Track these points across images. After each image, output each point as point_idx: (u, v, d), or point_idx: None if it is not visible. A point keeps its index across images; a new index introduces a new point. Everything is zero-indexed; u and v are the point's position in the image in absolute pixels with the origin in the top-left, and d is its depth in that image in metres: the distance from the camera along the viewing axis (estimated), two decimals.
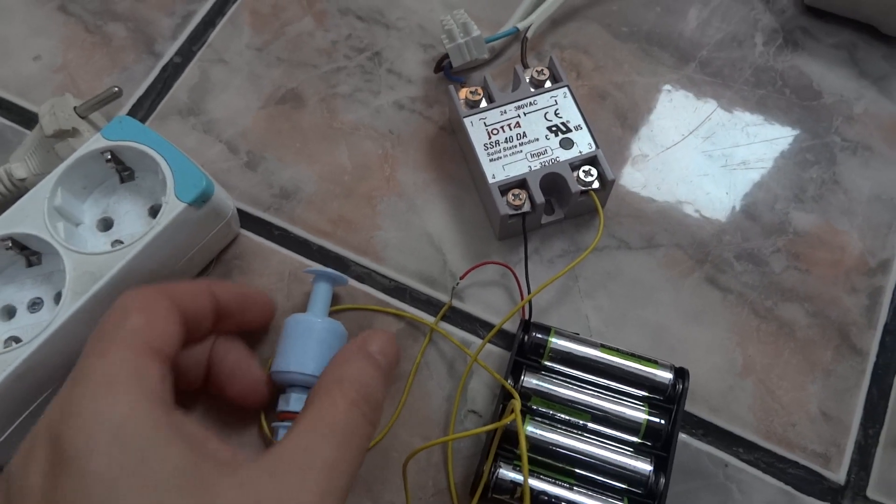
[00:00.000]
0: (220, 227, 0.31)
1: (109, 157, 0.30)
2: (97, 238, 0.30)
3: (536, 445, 0.28)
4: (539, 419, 0.28)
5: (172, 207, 0.29)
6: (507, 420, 0.26)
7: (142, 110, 0.36)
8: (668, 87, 0.36)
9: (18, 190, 0.33)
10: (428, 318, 0.32)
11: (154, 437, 0.19)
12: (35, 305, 0.29)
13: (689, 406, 0.30)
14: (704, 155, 0.35)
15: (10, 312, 0.29)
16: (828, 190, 0.34)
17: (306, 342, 0.28)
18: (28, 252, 0.30)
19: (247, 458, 0.21)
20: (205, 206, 0.30)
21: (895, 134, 0.35)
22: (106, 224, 0.31)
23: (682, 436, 0.30)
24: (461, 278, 0.32)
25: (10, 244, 0.29)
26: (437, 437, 0.30)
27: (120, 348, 0.21)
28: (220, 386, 0.28)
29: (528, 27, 0.35)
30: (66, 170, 0.29)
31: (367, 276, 0.33)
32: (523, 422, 0.28)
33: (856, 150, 0.35)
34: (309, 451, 0.21)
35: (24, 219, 0.29)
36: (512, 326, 0.32)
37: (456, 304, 0.32)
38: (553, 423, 0.28)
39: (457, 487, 0.29)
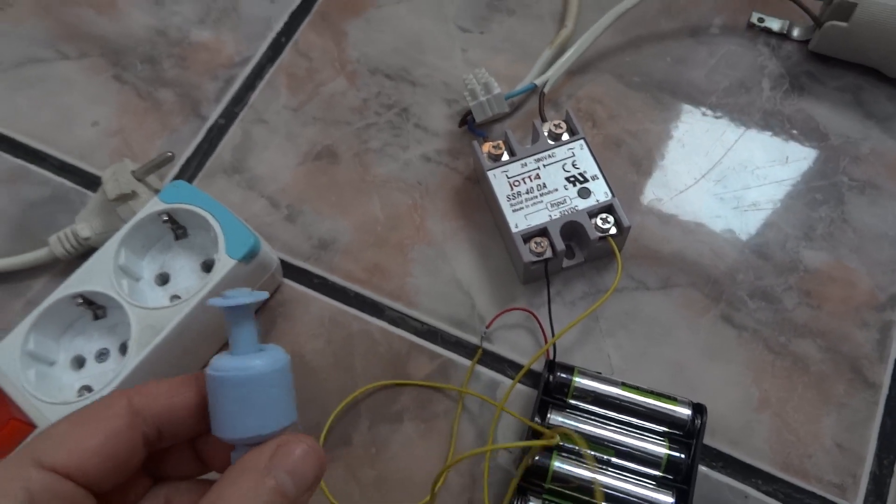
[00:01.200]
0: (265, 278, 0.34)
1: (166, 218, 0.33)
2: (156, 292, 0.33)
3: (564, 480, 0.30)
4: (566, 455, 0.30)
5: (224, 264, 0.31)
6: (545, 442, 0.28)
7: (190, 169, 0.40)
8: (679, 133, 0.39)
9: (83, 248, 0.36)
10: (460, 360, 0.34)
11: None
12: (102, 356, 0.32)
13: (709, 440, 0.32)
14: (716, 198, 0.37)
15: (81, 363, 0.32)
16: (837, 228, 0.36)
17: (235, 400, 0.22)
18: (95, 307, 0.33)
19: None
20: (252, 261, 0.32)
21: None
22: (163, 279, 0.34)
23: (703, 468, 0.31)
24: (488, 326, 0.34)
25: (81, 300, 0.32)
26: (468, 473, 0.32)
27: (8, 459, 0.20)
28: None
29: (545, 83, 0.38)
30: (129, 231, 0.32)
31: (400, 320, 0.35)
32: (550, 458, 0.30)
33: (863, 189, 0.36)
34: None
35: (93, 277, 0.32)
36: (538, 366, 0.34)
37: (485, 345, 0.34)
38: (579, 459, 0.30)
39: None
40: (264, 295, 0.22)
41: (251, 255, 0.32)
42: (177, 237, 0.34)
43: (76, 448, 0.20)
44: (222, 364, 0.21)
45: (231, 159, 0.40)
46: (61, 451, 0.20)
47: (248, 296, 0.21)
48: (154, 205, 0.33)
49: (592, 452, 0.30)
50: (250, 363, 0.21)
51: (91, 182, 0.40)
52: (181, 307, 0.31)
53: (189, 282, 0.33)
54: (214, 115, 0.41)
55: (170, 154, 0.36)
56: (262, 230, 0.37)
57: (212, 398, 0.22)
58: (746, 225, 0.36)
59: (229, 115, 0.41)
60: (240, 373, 0.21)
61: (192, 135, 0.41)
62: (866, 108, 0.38)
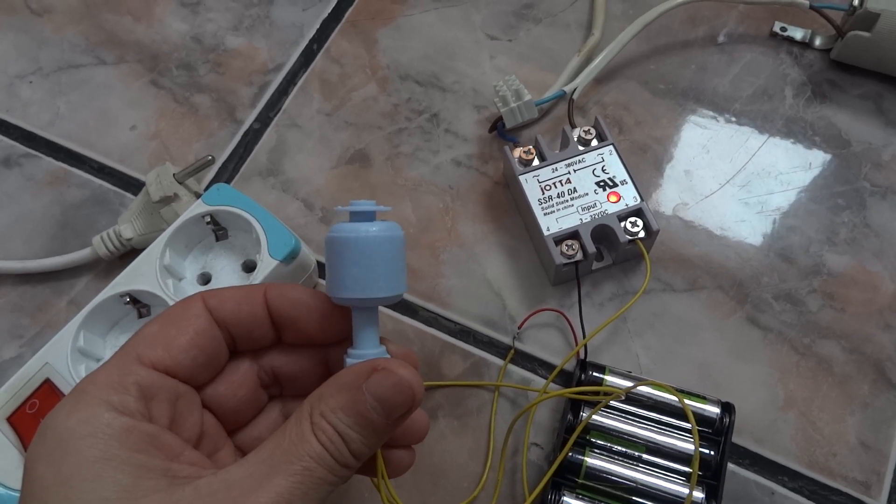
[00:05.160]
0: (304, 279, 0.35)
1: (209, 219, 0.34)
2: (198, 292, 0.34)
3: (596, 475, 0.30)
4: (598, 451, 0.31)
5: (266, 265, 0.32)
6: (615, 392, 0.29)
7: (227, 172, 0.41)
8: (704, 139, 0.40)
9: (124, 248, 0.37)
10: (492, 359, 0.35)
11: (96, 448, 0.20)
12: None
13: (736, 438, 0.33)
14: (741, 202, 0.38)
15: None
16: (859, 233, 0.37)
17: (345, 261, 0.23)
18: (139, 305, 0.34)
19: (208, 475, 0.20)
20: (293, 262, 0.33)
21: None
22: (205, 278, 0.35)
23: (731, 465, 0.32)
24: (519, 327, 0.35)
25: (128, 299, 0.33)
26: (495, 463, 0.33)
27: (113, 360, 0.22)
28: (292, 331, 0.24)
29: (574, 90, 0.39)
30: (173, 232, 0.34)
31: (434, 320, 0.36)
32: (583, 454, 0.31)
33: (885, 194, 0.37)
34: (259, 482, 0.20)
35: (139, 277, 0.33)
36: (568, 365, 0.35)
37: (516, 345, 0.35)
38: (611, 455, 0.31)
39: None
40: (388, 208, 0.24)
41: (292, 256, 0.33)
42: (217, 238, 0.35)
43: (170, 346, 0.22)
44: (339, 227, 0.23)
45: (266, 162, 0.41)
46: (158, 350, 0.22)
47: (371, 204, 0.23)
48: (198, 207, 0.34)
49: (622, 448, 0.31)
50: (366, 228, 0.23)
51: (129, 184, 0.41)
52: None
53: (230, 281, 0.34)
54: (249, 119, 0.42)
55: (210, 158, 0.37)
56: (298, 231, 0.38)
57: (327, 260, 0.23)
58: (770, 229, 0.37)
59: (264, 120, 0.42)
60: (352, 234, 0.22)
61: (229, 139, 0.42)
62: (888, 116, 0.39)
